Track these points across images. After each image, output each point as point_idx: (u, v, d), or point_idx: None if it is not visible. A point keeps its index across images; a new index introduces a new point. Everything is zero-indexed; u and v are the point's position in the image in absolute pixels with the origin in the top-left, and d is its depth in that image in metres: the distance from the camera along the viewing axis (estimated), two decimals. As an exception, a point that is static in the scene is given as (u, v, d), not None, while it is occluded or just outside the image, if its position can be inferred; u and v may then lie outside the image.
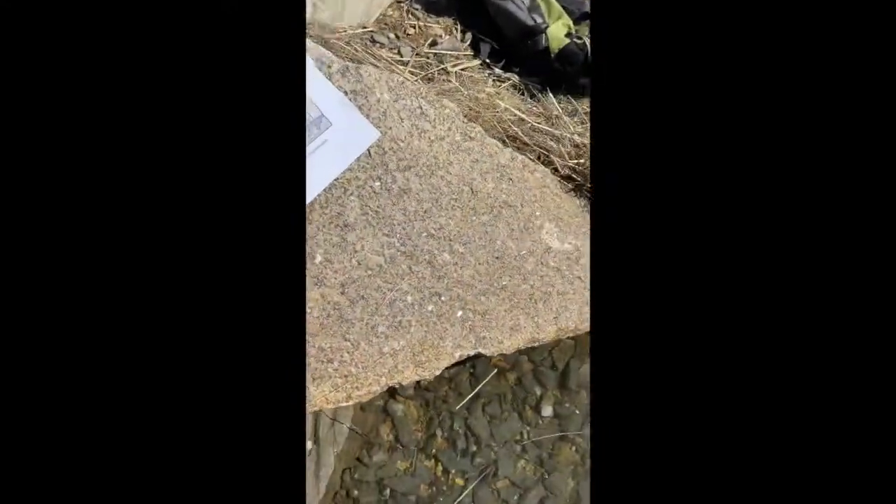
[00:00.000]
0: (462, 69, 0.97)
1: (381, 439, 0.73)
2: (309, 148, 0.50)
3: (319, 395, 0.48)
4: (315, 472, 0.65)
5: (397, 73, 0.66)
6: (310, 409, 0.47)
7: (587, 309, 0.66)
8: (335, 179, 0.51)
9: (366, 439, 0.72)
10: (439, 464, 0.74)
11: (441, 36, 1.04)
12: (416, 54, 0.95)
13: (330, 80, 0.53)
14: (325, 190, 0.50)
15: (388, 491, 0.70)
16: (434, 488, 0.72)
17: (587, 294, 0.66)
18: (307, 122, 0.50)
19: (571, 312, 0.65)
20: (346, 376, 0.50)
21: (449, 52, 0.99)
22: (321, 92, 0.51)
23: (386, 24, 1.02)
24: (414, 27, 1.03)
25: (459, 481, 0.73)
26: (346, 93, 0.53)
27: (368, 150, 0.54)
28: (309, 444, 0.67)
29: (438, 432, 0.76)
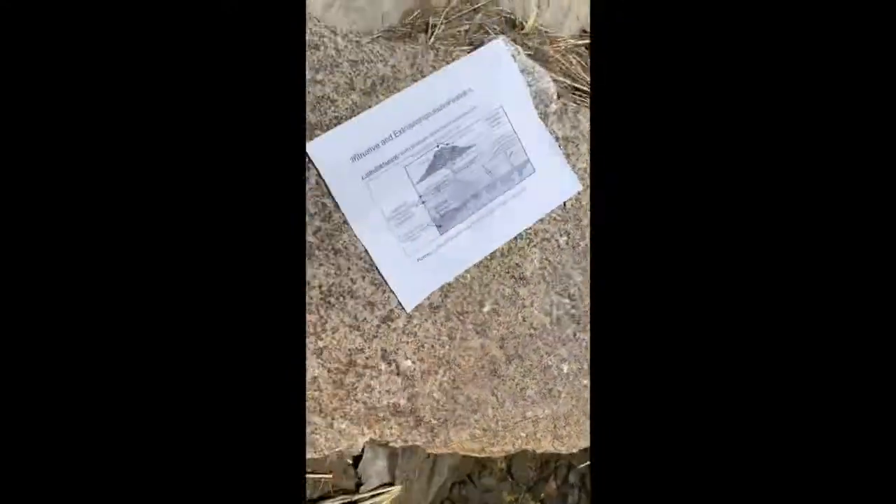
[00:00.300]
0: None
1: (496, 466, 0.73)
2: (505, 196, 0.47)
3: (457, 441, 0.48)
4: (429, 478, 0.69)
5: None
6: (446, 450, 0.48)
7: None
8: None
9: (482, 461, 0.72)
10: (544, 510, 0.71)
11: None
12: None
13: (546, 121, 0.49)
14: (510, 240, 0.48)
15: (488, 519, 0.70)
16: (531, 532, 0.71)
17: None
18: (509, 163, 0.48)
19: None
20: (485, 430, 0.49)
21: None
22: (533, 135, 0.48)
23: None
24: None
25: (558, 535, 0.70)
26: (557, 139, 0.49)
27: (565, 202, 0.49)
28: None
29: (553, 480, 0.73)
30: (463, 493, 0.73)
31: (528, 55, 0.68)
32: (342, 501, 0.62)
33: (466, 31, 0.75)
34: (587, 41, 0.85)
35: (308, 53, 0.42)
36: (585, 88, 0.76)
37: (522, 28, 0.75)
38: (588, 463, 0.72)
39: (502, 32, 0.76)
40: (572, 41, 0.81)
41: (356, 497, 0.62)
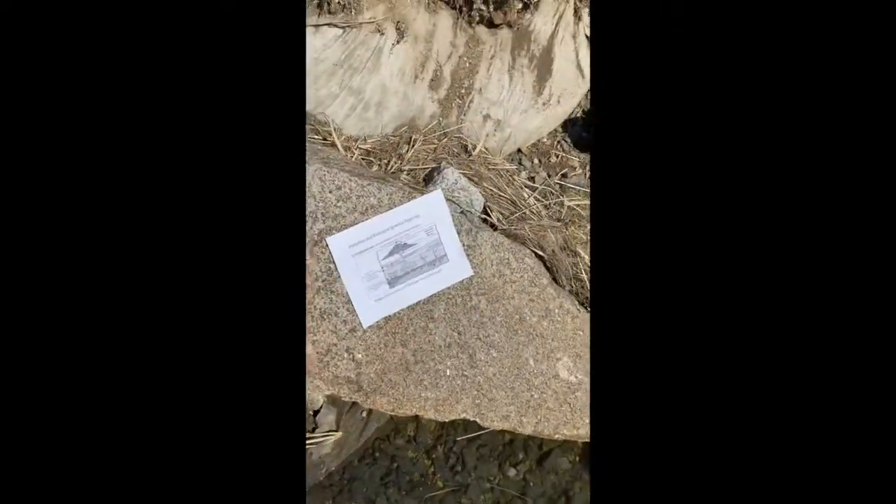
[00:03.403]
0: (576, 205, 1.24)
1: (407, 433, 1.10)
2: (430, 272, 0.86)
3: (380, 402, 0.86)
4: (360, 432, 1.06)
5: (500, 234, 0.97)
6: (374, 407, 0.85)
7: (563, 428, 0.94)
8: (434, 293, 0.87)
9: (397, 427, 1.10)
10: (433, 465, 1.09)
11: (575, 169, 1.31)
12: (545, 183, 1.24)
13: (459, 236, 0.88)
14: (428, 297, 0.87)
15: (395, 465, 1.08)
16: (423, 479, 1.08)
17: (569, 416, 0.94)
18: (434, 255, 0.86)
19: (550, 424, 0.94)
20: (397, 399, 0.87)
21: (573, 186, 1.26)
22: (451, 243, 0.87)
23: (537, 148, 1.31)
24: (558, 157, 1.31)
25: (440, 483, 1.08)
26: (465, 246, 0.88)
27: (462, 280, 0.88)
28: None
29: (440, 447, 1.11)
30: (381, 447, 1.10)
31: (469, 175, 1.08)
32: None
33: (434, 148, 1.14)
34: (516, 165, 1.25)
35: (331, 194, 0.80)
36: (508, 196, 1.15)
37: (471, 154, 1.14)
38: (467, 436, 1.10)
39: (458, 154, 1.15)
40: (506, 165, 1.21)
41: (312, 435, 0.99)
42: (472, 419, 0.91)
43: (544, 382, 0.93)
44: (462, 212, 0.93)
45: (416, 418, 1.11)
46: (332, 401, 1.02)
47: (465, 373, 0.89)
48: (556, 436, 0.94)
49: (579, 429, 0.95)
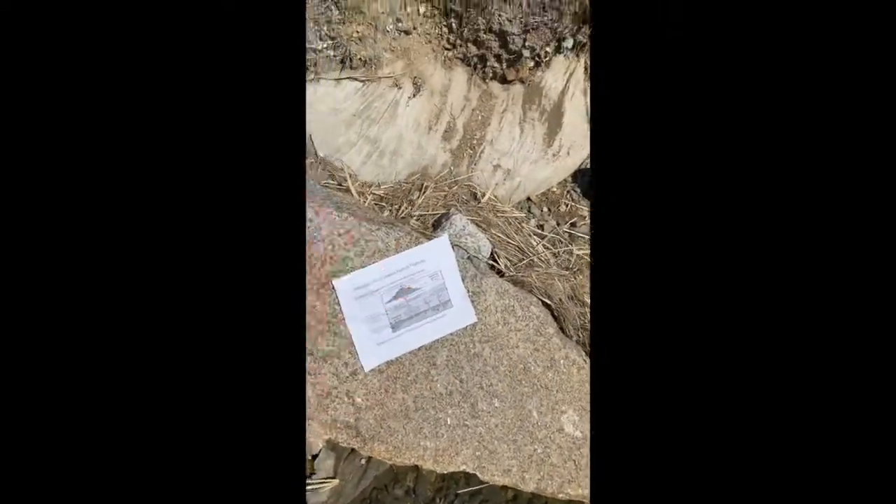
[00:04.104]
0: (585, 254, 1.24)
1: (406, 483, 1.07)
2: (433, 318, 0.86)
3: (378, 450, 0.84)
4: (358, 480, 1.03)
5: (505, 281, 0.98)
6: (372, 454, 0.83)
7: (568, 486, 0.90)
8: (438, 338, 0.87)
9: (396, 476, 1.07)
10: (432, 521, 1.04)
11: (584, 218, 1.32)
12: (554, 231, 1.25)
13: (464, 282, 0.88)
14: (431, 342, 0.86)
15: (392, 517, 1.03)
16: (421, 534, 1.03)
17: (574, 474, 0.90)
18: (438, 300, 0.87)
19: (554, 481, 0.90)
20: (395, 447, 0.85)
21: (583, 235, 1.26)
22: (455, 289, 0.87)
23: (547, 197, 1.34)
24: (567, 206, 1.33)
25: (439, 540, 1.03)
26: (470, 292, 0.88)
27: (466, 326, 0.88)
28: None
29: (440, 500, 1.06)
30: (379, 497, 1.06)
31: (477, 221, 1.10)
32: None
33: (445, 195, 1.17)
34: (525, 213, 1.27)
35: (340, 238, 0.82)
36: (516, 243, 1.16)
37: (479, 201, 1.17)
38: (469, 489, 1.06)
39: (467, 202, 1.18)
40: (514, 212, 1.23)
41: (308, 482, 0.97)
42: (472, 472, 0.88)
43: (548, 436, 0.90)
44: (469, 257, 0.95)
45: (417, 468, 1.07)
46: (332, 446, 1.00)
47: (467, 422, 0.87)
48: (560, 495, 0.90)
49: (585, 488, 0.91)
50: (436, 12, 1.16)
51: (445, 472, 0.88)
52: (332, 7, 1.11)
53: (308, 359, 0.81)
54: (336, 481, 0.99)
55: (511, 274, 1.02)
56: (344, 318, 0.82)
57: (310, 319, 0.81)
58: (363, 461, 1.04)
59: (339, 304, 0.82)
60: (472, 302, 0.88)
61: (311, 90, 1.11)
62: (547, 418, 0.90)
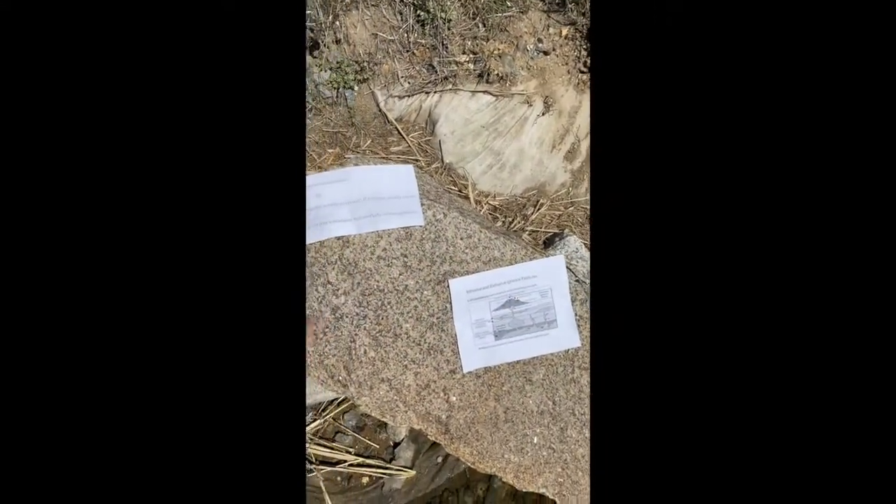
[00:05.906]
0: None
1: (477, 492, 1.07)
2: (537, 334, 0.86)
3: (462, 451, 0.86)
4: (433, 477, 1.05)
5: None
6: (455, 453, 0.85)
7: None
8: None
9: (468, 483, 1.08)
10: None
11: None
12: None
13: (573, 305, 0.88)
14: (530, 357, 0.87)
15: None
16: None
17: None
18: (544, 318, 0.87)
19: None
20: (479, 452, 0.86)
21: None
22: (563, 309, 0.87)
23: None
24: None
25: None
26: (577, 316, 0.87)
27: (568, 349, 0.87)
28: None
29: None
30: (449, 500, 1.08)
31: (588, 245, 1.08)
32: (378, 463, 1.01)
33: (559, 215, 1.17)
34: None
35: (462, 241, 0.86)
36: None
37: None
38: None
39: (581, 224, 1.16)
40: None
41: (387, 466, 1.01)
42: (551, 497, 0.86)
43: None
44: (578, 280, 0.93)
45: (489, 480, 1.07)
46: (413, 436, 1.04)
47: (553, 446, 0.86)
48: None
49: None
50: (577, 35, 1.17)
51: (524, 489, 0.87)
52: (480, 24, 1.17)
53: (415, 349, 0.85)
54: (413, 472, 1.03)
55: (619, 304, 0.99)
56: (452, 317, 0.85)
57: (422, 311, 0.85)
58: (440, 459, 1.07)
59: (450, 302, 0.85)
60: (578, 327, 0.87)
61: (447, 99, 1.18)
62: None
